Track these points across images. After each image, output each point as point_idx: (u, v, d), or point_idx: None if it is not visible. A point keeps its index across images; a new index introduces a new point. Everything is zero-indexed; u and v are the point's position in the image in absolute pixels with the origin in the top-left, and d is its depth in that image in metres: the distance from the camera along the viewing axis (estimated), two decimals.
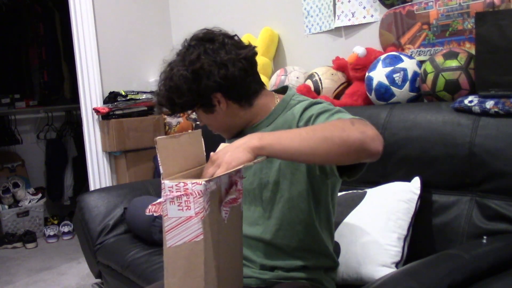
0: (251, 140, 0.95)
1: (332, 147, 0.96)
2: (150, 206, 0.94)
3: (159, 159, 0.89)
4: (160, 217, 2.02)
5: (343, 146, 0.96)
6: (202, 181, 0.85)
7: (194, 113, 1.30)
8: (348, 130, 0.96)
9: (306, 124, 1.15)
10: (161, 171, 0.89)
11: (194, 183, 0.85)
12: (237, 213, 1.00)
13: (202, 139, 1.03)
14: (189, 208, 0.86)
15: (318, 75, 2.12)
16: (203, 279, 0.88)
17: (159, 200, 0.91)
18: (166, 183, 0.87)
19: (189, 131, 0.95)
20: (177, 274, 0.89)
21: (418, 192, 1.54)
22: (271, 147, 0.95)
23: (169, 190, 0.87)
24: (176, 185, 0.86)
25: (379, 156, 0.99)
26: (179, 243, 0.87)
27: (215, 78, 1.18)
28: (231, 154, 0.93)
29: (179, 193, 0.86)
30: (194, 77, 1.18)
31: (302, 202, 1.22)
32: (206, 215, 0.87)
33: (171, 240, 0.87)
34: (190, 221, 0.86)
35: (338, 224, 1.60)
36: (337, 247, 1.53)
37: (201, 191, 0.85)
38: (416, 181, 1.56)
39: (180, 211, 0.86)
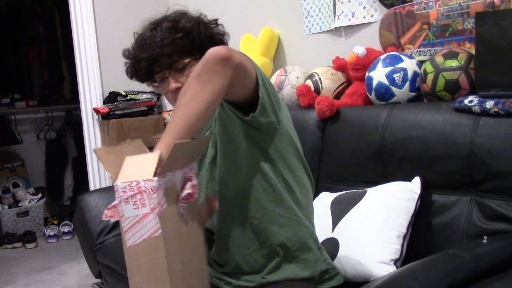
0: None
1: (196, 93, 0.95)
2: (105, 211, 0.94)
3: (103, 166, 0.90)
4: None
5: (202, 82, 0.95)
6: (154, 177, 0.86)
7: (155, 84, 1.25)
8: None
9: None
10: (111, 175, 0.90)
11: (146, 180, 0.86)
12: (195, 208, 1.01)
13: (145, 146, 1.00)
14: (144, 205, 0.87)
15: (318, 75, 2.12)
16: (167, 273, 0.88)
17: (113, 204, 0.91)
18: (118, 184, 0.88)
19: (128, 140, 0.95)
20: (141, 271, 0.90)
21: (419, 191, 1.54)
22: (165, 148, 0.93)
23: (123, 191, 0.88)
24: (129, 185, 0.87)
25: (226, 57, 0.97)
26: (139, 241, 0.88)
27: (217, 30, 1.25)
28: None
29: (132, 192, 0.87)
30: (204, 22, 1.25)
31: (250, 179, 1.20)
32: (163, 210, 0.88)
33: (130, 239, 0.88)
34: (146, 218, 0.87)
35: (337, 221, 1.60)
36: (335, 244, 1.53)
37: (154, 187, 0.85)
38: (417, 181, 1.56)
39: (136, 209, 0.87)
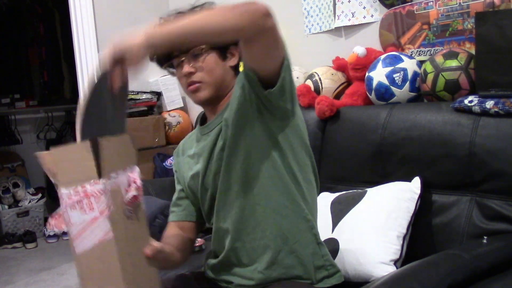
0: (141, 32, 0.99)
1: (224, 14, 1.01)
2: (50, 220, 0.91)
3: (46, 172, 0.88)
4: (160, 217, 2.03)
5: (233, 12, 1.00)
6: (100, 180, 0.84)
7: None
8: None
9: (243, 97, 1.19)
10: (54, 181, 0.87)
11: (92, 184, 0.84)
12: (140, 210, 0.98)
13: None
14: (92, 209, 0.84)
15: (318, 75, 2.12)
16: (121, 276, 0.86)
17: (58, 212, 0.89)
18: (62, 190, 0.85)
19: (77, 142, 0.92)
20: (93, 278, 0.88)
21: (418, 192, 1.54)
22: (160, 32, 0.99)
23: (68, 197, 0.85)
24: (73, 189, 0.85)
25: (267, 13, 1.02)
26: (89, 246, 0.85)
27: None
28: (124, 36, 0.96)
29: (78, 197, 0.85)
30: None
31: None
32: (112, 212, 0.86)
33: (80, 245, 0.86)
34: (96, 222, 0.85)
35: (337, 222, 1.60)
36: (335, 244, 1.53)
37: (101, 189, 0.84)
38: (417, 181, 1.56)
39: (84, 214, 0.85)
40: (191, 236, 1.38)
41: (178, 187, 1.41)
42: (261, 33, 1.04)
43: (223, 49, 1.25)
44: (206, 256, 1.41)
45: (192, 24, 1.01)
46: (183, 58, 1.23)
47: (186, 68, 1.23)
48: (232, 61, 1.27)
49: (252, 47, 1.09)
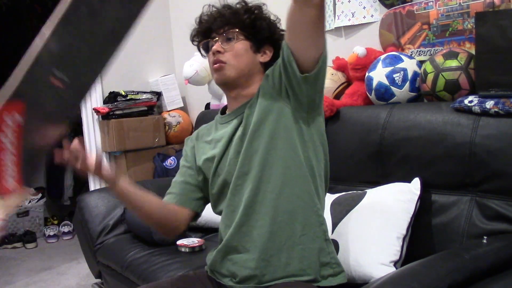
0: None
1: None
2: None
3: None
4: None
5: None
6: None
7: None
8: None
9: (279, 81, 1.25)
10: None
11: None
12: None
13: None
14: None
15: None
16: None
17: None
18: None
19: None
20: None
21: (418, 192, 1.54)
22: None
23: None
24: None
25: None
26: None
27: (282, 32, 1.32)
28: None
29: None
30: (273, 20, 1.36)
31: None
32: None
33: None
34: None
35: (337, 223, 1.60)
36: (335, 245, 1.53)
37: None
38: (416, 182, 1.56)
39: None
40: (180, 221, 1.37)
41: (182, 170, 1.42)
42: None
43: (257, 43, 1.31)
44: (208, 255, 1.41)
45: None
46: (216, 38, 1.30)
47: (216, 46, 1.29)
48: (263, 58, 1.32)
49: (302, 20, 1.10)
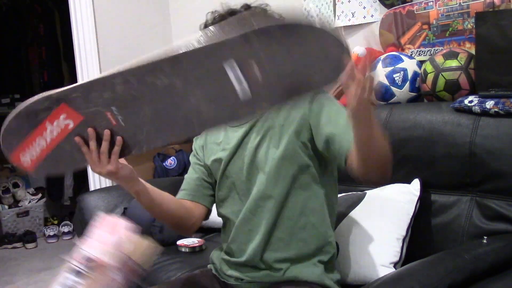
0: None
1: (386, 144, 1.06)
2: None
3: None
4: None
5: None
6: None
7: None
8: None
9: (316, 117, 1.24)
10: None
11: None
12: None
13: None
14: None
15: None
16: None
17: None
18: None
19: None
20: None
21: (418, 193, 1.54)
22: None
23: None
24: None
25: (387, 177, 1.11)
26: None
27: None
28: None
29: None
30: None
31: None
32: None
33: None
34: None
35: (337, 224, 1.60)
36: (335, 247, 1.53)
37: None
38: (416, 183, 1.56)
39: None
40: (196, 218, 1.37)
41: (195, 168, 1.41)
42: (382, 175, 1.11)
43: None
44: (211, 255, 1.42)
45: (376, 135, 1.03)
46: None
47: None
48: None
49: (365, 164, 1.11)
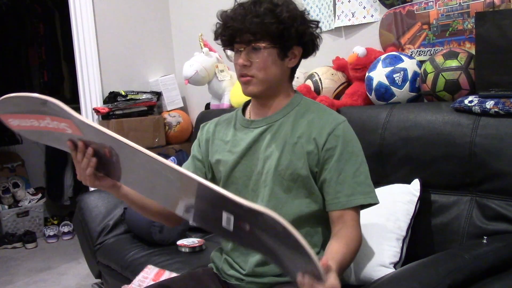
0: None
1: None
2: None
3: None
4: None
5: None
6: None
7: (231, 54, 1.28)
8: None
9: (328, 150, 1.22)
10: None
11: None
12: None
13: None
14: None
15: (318, 75, 2.12)
16: None
17: None
18: None
19: None
20: None
21: (418, 194, 1.54)
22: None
23: None
24: None
25: None
26: None
27: (312, 31, 1.26)
28: None
29: None
30: (303, 18, 1.25)
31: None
32: None
33: None
34: None
35: None
36: None
37: None
38: (416, 183, 1.56)
39: None
40: None
41: (193, 162, 1.40)
42: None
43: (285, 48, 1.24)
44: (212, 255, 1.41)
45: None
46: (242, 48, 1.23)
47: (242, 60, 1.23)
48: (292, 62, 1.27)
49: None
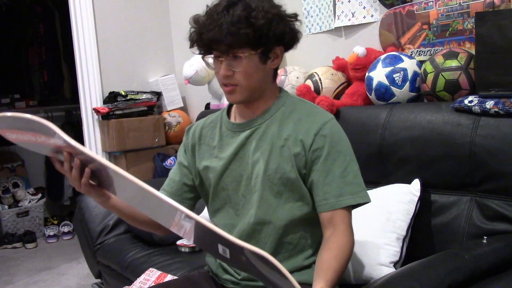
0: None
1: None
2: None
3: None
4: None
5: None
6: None
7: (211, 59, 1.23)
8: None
9: (315, 151, 1.19)
10: None
11: None
12: None
13: None
14: None
15: (318, 75, 2.12)
16: None
17: None
18: None
19: None
20: None
21: (418, 194, 1.54)
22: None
23: None
24: None
25: None
26: None
27: (291, 26, 1.21)
28: None
29: None
30: (280, 17, 1.19)
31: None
32: None
33: None
34: None
35: None
36: None
37: None
38: (416, 183, 1.56)
39: None
40: None
41: (180, 169, 1.36)
42: None
43: (266, 51, 1.19)
44: (206, 259, 1.41)
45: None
46: (222, 58, 1.18)
47: (224, 70, 1.18)
48: (274, 63, 1.23)
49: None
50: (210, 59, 1.22)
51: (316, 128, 1.20)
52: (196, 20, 1.21)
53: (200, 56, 1.25)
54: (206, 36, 1.16)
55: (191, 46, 1.24)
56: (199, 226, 0.91)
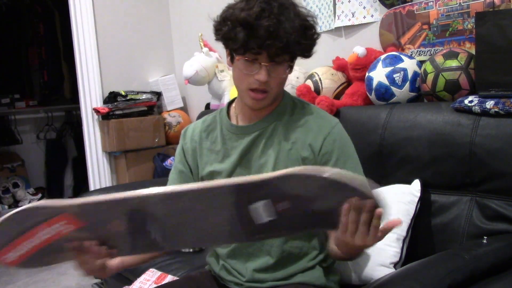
0: None
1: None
2: None
3: None
4: None
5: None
6: None
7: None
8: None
9: (324, 155, 1.18)
10: None
11: None
12: None
13: None
14: None
15: (318, 75, 2.12)
16: None
17: None
18: None
19: None
20: None
21: (418, 194, 1.54)
22: None
23: None
24: None
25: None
26: None
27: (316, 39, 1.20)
28: None
29: None
30: (316, 30, 1.20)
31: None
32: None
33: None
34: None
35: None
36: None
37: None
38: (416, 184, 1.56)
39: None
40: None
41: (179, 175, 1.32)
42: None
43: (293, 61, 1.19)
44: (207, 259, 1.41)
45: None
46: (265, 63, 1.12)
47: (265, 76, 1.13)
48: (290, 71, 1.22)
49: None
50: (242, 60, 1.14)
51: (325, 132, 1.20)
52: (246, 16, 1.09)
53: (217, 56, 1.22)
54: (260, 41, 1.08)
55: (218, 39, 1.19)
56: (236, 188, 0.82)
